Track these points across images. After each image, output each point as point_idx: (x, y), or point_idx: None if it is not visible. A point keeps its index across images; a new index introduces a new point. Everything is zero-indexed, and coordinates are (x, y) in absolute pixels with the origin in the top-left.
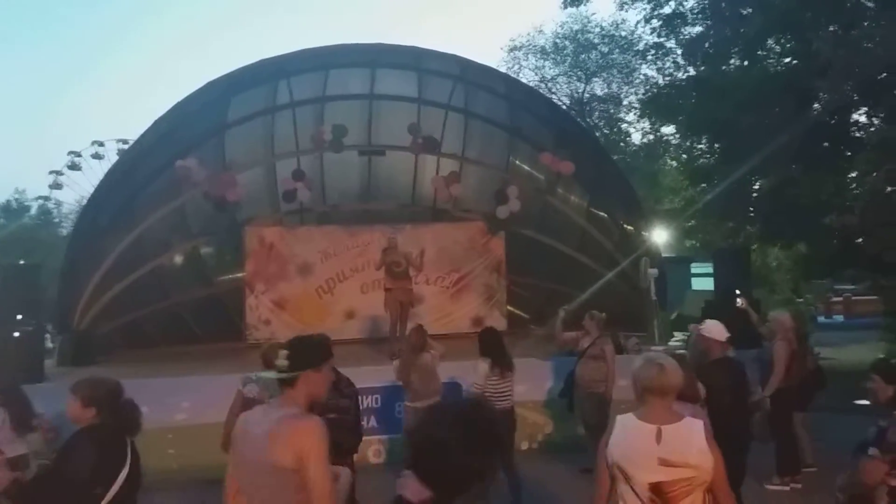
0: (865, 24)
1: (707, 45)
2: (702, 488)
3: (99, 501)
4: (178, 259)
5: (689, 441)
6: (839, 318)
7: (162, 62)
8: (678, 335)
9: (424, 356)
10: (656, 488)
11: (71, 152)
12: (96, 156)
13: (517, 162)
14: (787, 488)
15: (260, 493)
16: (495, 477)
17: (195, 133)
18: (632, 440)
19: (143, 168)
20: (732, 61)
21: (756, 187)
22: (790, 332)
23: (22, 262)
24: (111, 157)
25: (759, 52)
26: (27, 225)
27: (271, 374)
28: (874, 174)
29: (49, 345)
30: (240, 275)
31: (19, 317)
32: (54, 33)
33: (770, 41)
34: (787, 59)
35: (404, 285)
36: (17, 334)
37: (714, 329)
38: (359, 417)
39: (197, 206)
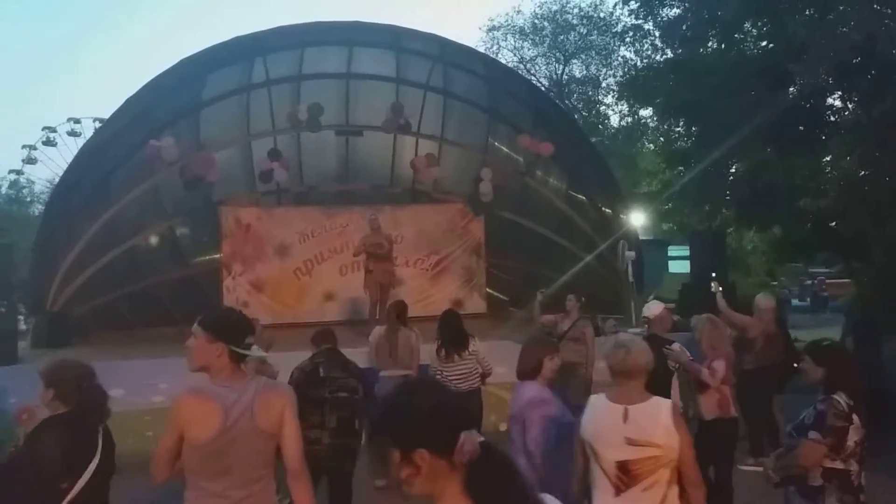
0: (841, 7)
1: (685, 27)
2: (668, 467)
3: (65, 495)
4: (154, 240)
5: (656, 420)
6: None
7: (141, 42)
8: None
9: (405, 330)
10: (623, 466)
11: (46, 128)
12: (72, 133)
13: (496, 143)
14: (761, 469)
15: (246, 459)
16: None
17: (169, 111)
18: (600, 419)
19: (117, 147)
20: (710, 44)
21: (732, 170)
22: (769, 314)
23: None
24: (87, 136)
25: (736, 36)
26: None
27: (259, 353)
28: (847, 158)
29: (22, 326)
30: (216, 256)
31: None
32: (32, 12)
33: (747, 24)
34: (764, 43)
35: (386, 267)
36: None
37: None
38: (366, 394)
39: (172, 185)
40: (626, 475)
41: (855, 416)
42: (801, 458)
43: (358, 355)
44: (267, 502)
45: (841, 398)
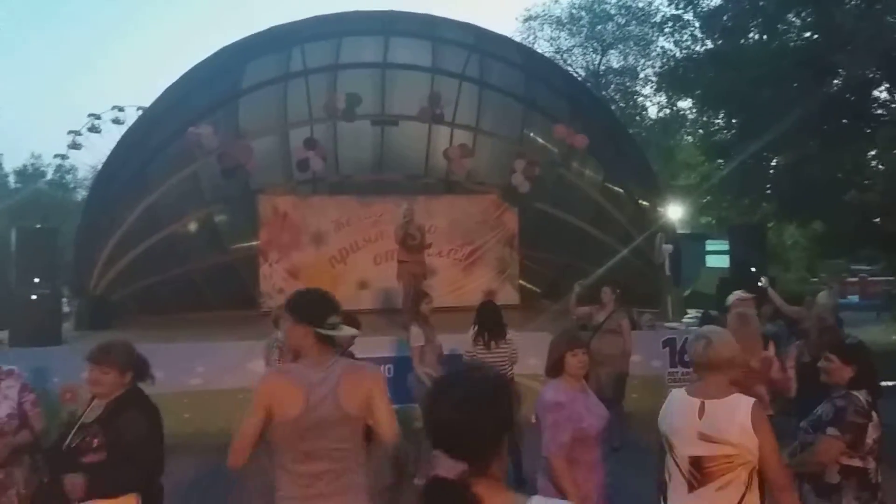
0: None
1: (726, 17)
2: (746, 468)
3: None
4: (193, 226)
5: (732, 418)
6: (854, 298)
7: (181, 31)
8: (692, 312)
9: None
10: (696, 462)
11: (91, 115)
12: (116, 121)
13: (531, 134)
14: None
15: (332, 441)
16: (515, 427)
17: (208, 100)
18: (677, 413)
19: (158, 135)
20: (751, 35)
21: (773, 164)
22: (828, 312)
23: (39, 225)
24: (131, 124)
25: (779, 27)
26: (43, 190)
27: (349, 331)
28: (895, 151)
29: (66, 309)
30: (254, 243)
31: (37, 280)
32: (74, 3)
33: (790, 15)
34: (808, 34)
35: (418, 258)
36: (34, 297)
37: None
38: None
39: (210, 173)
40: (698, 472)
41: (874, 414)
42: (818, 454)
43: (388, 343)
44: (355, 487)
45: (861, 395)
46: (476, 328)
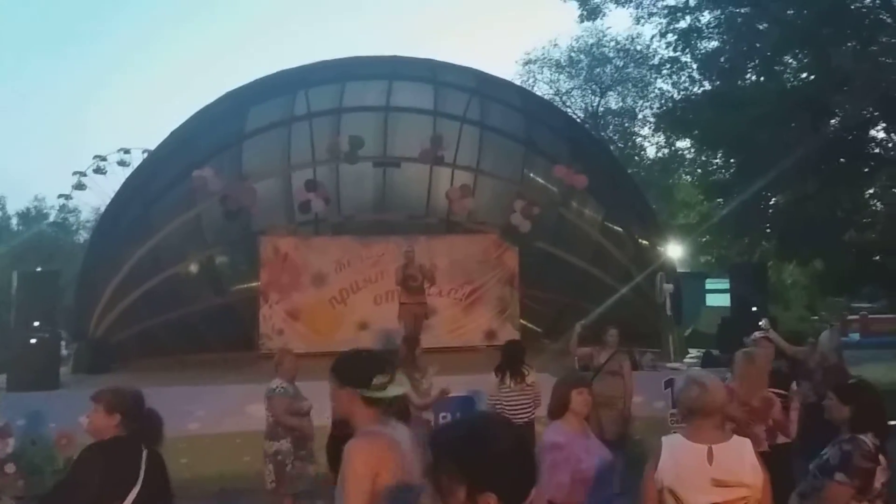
0: (883, 39)
1: (723, 59)
2: None
3: None
4: (194, 268)
5: (742, 459)
6: (855, 336)
7: (186, 74)
8: (693, 351)
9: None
10: None
11: (97, 156)
12: (122, 163)
13: (532, 175)
14: None
15: None
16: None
17: (212, 143)
18: (682, 461)
19: (161, 177)
20: (749, 76)
21: (772, 203)
22: (831, 351)
23: (40, 269)
24: (136, 166)
25: (776, 68)
26: (45, 232)
27: (398, 389)
28: (894, 190)
29: (64, 352)
30: (254, 284)
31: (36, 323)
32: (78, 43)
33: (787, 56)
34: (804, 75)
35: (419, 299)
36: (33, 341)
37: None
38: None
39: (213, 215)
40: None
41: (882, 457)
42: (828, 501)
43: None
44: None
45: (868, 438)
46: (502, 371)
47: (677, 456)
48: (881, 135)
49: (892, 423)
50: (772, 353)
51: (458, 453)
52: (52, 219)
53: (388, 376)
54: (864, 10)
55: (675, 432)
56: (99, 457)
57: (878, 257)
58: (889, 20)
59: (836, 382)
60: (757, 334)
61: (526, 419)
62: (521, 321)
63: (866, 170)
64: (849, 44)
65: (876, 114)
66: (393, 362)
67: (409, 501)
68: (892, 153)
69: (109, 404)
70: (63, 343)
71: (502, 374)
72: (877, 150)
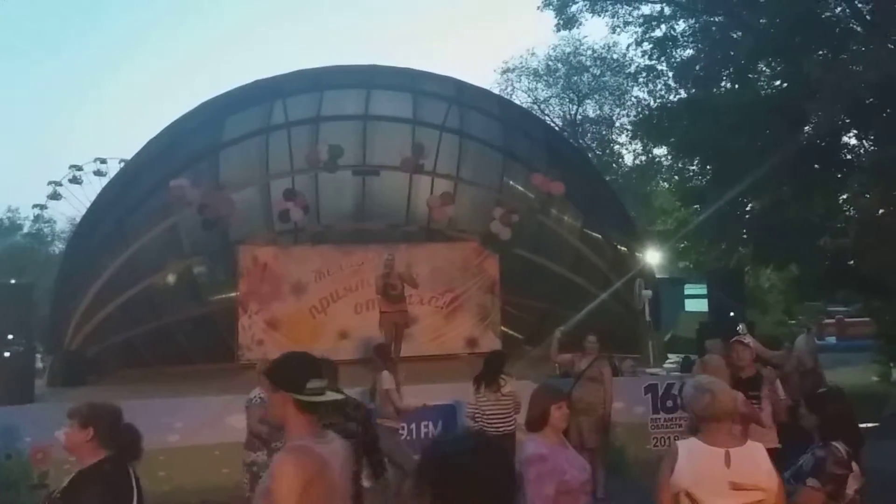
0: (854, 47)
1: (698, 67)
2: None
3: None
4: (171, 278)
5: (757, 463)
6: (832, 339)
7: (163, 83)
8: (672, 357)
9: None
10: None
11: (72, 166)
12: (98, 172)
13: (510, 183)
14: None
15: None
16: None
17: (189, 152)
18: (701, 465)
19: (138, 187)
20: (723, 84)
21: (748, 209)
22: (808, 355)
23: (13, 280)
24: (112, 176)
25: (750, 76)
26: (19, 243)
27: (335, 395)
28: (867, 196)
29: (39, 364)
30: (233, 294)
31: (10, 336)
32: (54, 52)
33: (761, 64)
34: (778, 83)
35: (400, 307)
36: (7, 354)
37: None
38: (375, 438)
39: (190, 225)
40: None
41: (854, 465)
42: None
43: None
44: None
45: (840, 446)
46: (482, 381)
47: (695, 460)
48: (853, 141)
49: (871, 424)
50: (746, 357)
51: (424, 468)
52: (26, 230)
53: (323, 381)
54: (835, 19)
55: (677, 438)
56: (98, 483)
57: (851, 262)
58: (859, 29)
59: (811, 388)
60: (715, 342)
61: (505, 429)
62: (503, 328)
63: (839, 176)
64: (819, 52)
65: (847, 121)
66: (332, 367)
67: None
68: (863, 160)
69: (83, 419)
70: (38, 356)
71: (478, 384)
72: (849, 157)
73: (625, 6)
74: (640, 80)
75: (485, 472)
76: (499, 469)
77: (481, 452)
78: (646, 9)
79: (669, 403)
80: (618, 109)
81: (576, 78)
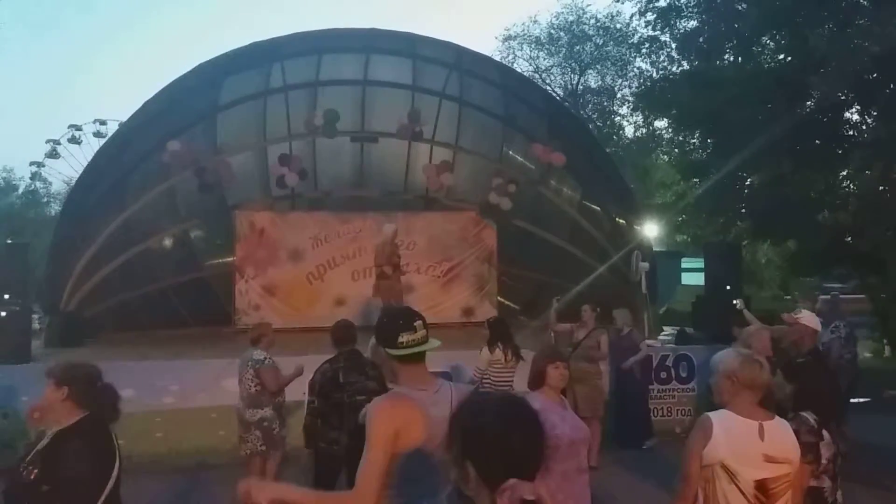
0: (860, 22)
1: (701, 39)
2: (791, 486)
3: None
4: (168, 242)
5: (787, 436)
6: None
7: (163, 45)
8: (668, 329)
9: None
10: (761, 485)
11: (72, 125)
12: (98, 134)
13: (510, 152)
14: None
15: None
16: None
17: (187, 115)
18: (737, 437)
19: (134, 149)
20: (727, 56)
21: (748, 183)
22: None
23: (10, 241)
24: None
25: (754, 48)
26: (15, 204)
27: (434, 344)
28: (867, 172)
29: (36, 325)
30: (230, 259)
31: (6, 296)
32: (57, 17)
33: (765, 37)
34: (782, 56)
35: (398, 275)
36: (3, 314)
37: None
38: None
39: (187, 188)
40: (764, 495)
41: (825, 433)
42: None
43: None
44: None
45: (809, 415)
46: (499, 345)
47: (732, 431)
48: (855, 117)
49: (862, 399)
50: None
51: (455, 420)
52: (21, 190)
53: (415, 333)
54: None
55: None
56: (78, 443)
57: (849, 238)
58: (866, 3)
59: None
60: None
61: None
62: (499, 298)
63: (840, 151)
64: (825, 26)
65: (851, 96)
66: (424, 318)
67: (430, 466)
68: (865, 136)
69: (58, 378)
70: (35, 316)
71: (497, 348)
72: (851, 133)
73: None
74: (643, 50)
75: (499, 423)
76: (518, 426)
77: (505, 405)
78: None
79: (664, 375)
80: (620, 80)
81: (578, 47)
